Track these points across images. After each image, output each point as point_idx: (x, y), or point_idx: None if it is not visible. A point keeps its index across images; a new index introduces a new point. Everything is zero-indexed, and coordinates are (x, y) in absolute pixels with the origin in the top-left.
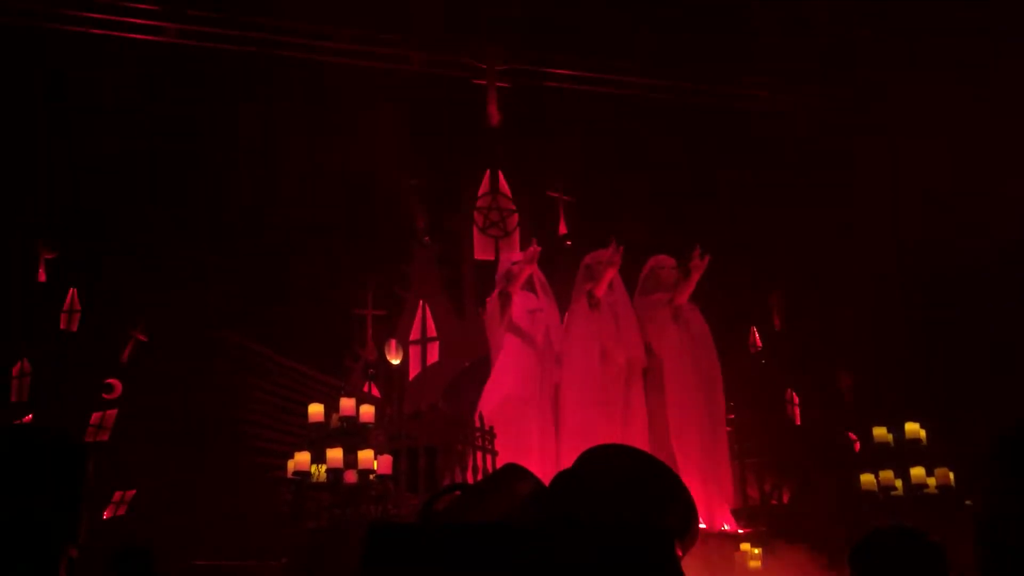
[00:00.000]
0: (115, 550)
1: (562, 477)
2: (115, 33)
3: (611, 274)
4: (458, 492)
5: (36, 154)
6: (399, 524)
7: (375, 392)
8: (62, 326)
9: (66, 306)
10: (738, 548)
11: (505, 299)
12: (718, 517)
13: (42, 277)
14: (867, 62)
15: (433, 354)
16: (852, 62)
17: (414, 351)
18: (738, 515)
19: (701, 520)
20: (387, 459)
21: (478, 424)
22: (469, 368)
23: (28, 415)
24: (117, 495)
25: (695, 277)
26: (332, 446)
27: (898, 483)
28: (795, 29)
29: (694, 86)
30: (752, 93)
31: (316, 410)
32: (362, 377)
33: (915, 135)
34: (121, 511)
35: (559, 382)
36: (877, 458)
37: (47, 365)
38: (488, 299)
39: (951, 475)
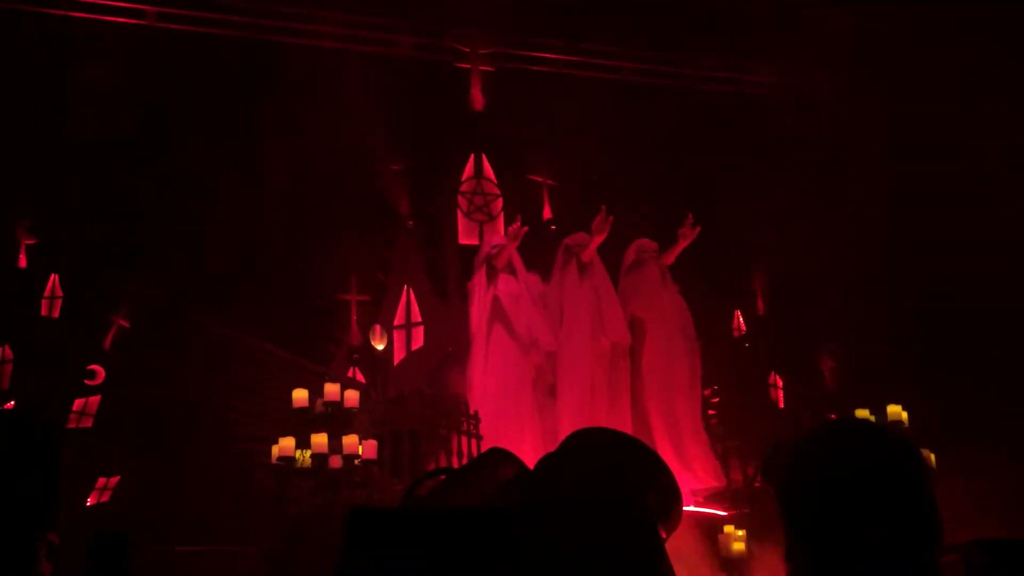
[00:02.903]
0: (93, 535)
1: (546, 461)
2: (94, 16)
3: (599, 241)
4: (442, 476)
5: (16, 138)
6: (381, 509)
7: (359, 377)
8: (44, 312)
9: (48, 292)
10: (721, 530)
11: (492, 273)
12: (702, 498)
13: (23, 263)
14: (854, 47)
15: (417, 339)
16: (838, 47)
17: (398, 336)
18: (721, 497)
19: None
20: (372, 444)
21: (462, 409)
22: (453, 352)
23: (10, 402)
24: (101, 481)
25: (683, 244)
26: (317, 431)
27: None
28: (784, 14)
29: (680, 70)
30: (737, 77)
31: (300, 395)
32: (346, 362)
33: (898, 120)
34: (105, 497)
35: (543, 366)
36: None
37: (29, 351)
38: (469, 283)
39: (932, 456)
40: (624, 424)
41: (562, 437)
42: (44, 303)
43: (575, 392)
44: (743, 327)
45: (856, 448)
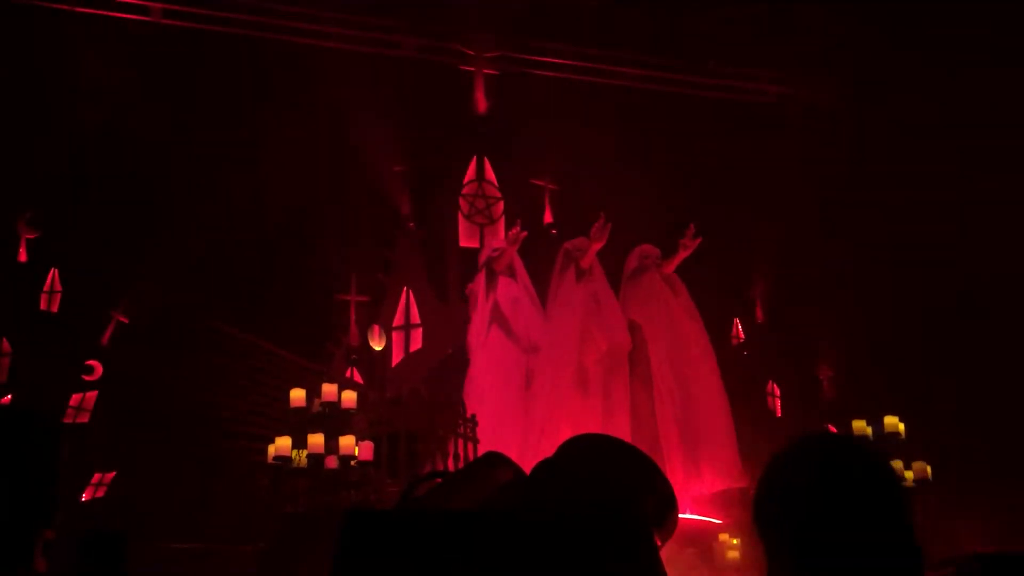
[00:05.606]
0: (87, 533)
1: (542, 466)
2: (98, 11)
3: (597, 247)
4: (439, 479)
5: (16, 133)
6: (376, 510)
7: (357, 378)
8: (42, 307)
9: (47, 286)
10: (716, 538)
11: (491, 277)
12: (698, 506)
13: (23, 257)
14: (863, 54)
15: (416, 340)
16: (847, 53)
17: (397, 337)
18: (717, 505)
19: (680, 509)
20: (368, 445)
21: (459, 411)
22: (452, 355)
23: (7, 396)
24: (96, 477)
25: (683, 254)
26: (314, 431)
27: None
28: (789, 17)
29: (683, 76)
30: (741, 85)
31: (298, 395)
32: (345, 362)
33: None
34: (100, 493)
35: (539, 369)
36: None
37: (27, 346)
38: (469, 285)
39: (928, 468)
40: (622, 429)
41: (558, 442)
42: (43, 297)
43: (572, 396)
44: (742, 335)
45: (828, 465)
